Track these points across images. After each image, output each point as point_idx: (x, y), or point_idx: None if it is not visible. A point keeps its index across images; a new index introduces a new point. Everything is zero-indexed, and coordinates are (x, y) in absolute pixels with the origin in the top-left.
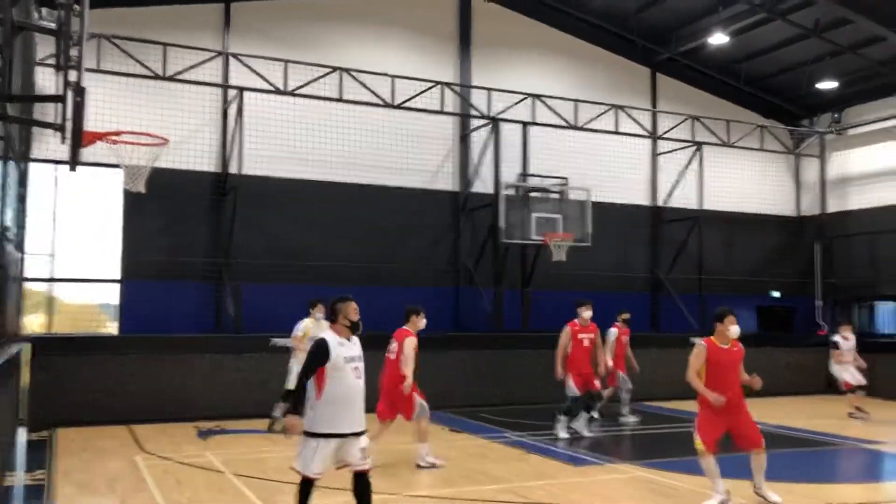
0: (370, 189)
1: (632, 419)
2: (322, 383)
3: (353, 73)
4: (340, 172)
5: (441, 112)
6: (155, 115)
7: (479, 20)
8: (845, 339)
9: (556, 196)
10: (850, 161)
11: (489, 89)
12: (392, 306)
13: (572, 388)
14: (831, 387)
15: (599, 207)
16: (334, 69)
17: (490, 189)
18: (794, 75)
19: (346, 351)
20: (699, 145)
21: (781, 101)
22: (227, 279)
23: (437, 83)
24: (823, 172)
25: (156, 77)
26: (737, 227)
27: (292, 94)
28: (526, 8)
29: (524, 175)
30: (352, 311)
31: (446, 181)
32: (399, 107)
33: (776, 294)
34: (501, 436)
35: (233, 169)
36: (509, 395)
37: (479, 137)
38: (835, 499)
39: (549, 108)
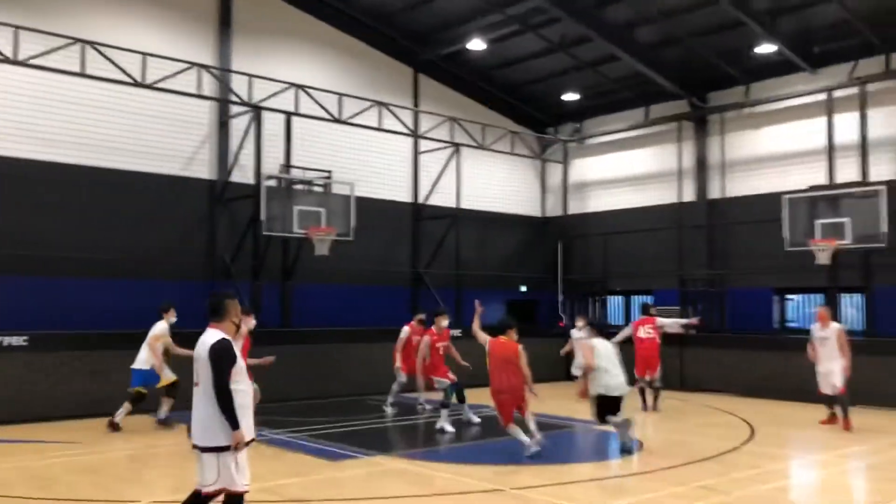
0: (117, 174)
1: (389, 410)
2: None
3: (98, 47)
4: (84, 155)
5: (198, 96)
6: None
7: (241, 3)
8: (578, 329)
9: (319, 189)
10: (588, 168)
11: (251, 76)
12: (140, 301)
13: (443, 382)
14: (569, 374)
15: (363, 202)
16: (76, 40)
17: (251, 179)
18: (543, 86)
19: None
20: (457, 146)
21: (531, 108)
22: None
23: (194, 65)
24: (566, 177)
25: None
26: (490, 225)
27: (24, 64)
28: None
29: (287, 167)
30: (239, 310)
31: (203, 169)
32: (151, 87)
33: (523, 288)
34: (258, 434)
35: None
36: (265, 393)
37: (239, 125)
38: (569, 478)
39: (314, 99)
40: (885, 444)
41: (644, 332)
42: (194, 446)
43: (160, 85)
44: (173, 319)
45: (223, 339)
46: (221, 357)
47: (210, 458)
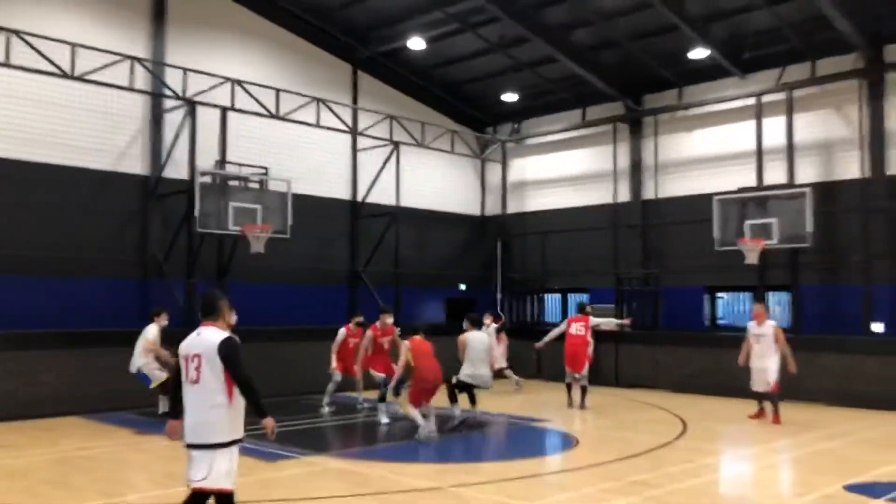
0: (44, 168)
1: (326, 410)
2: (232, 386)
3: (25, 37)
4: (9, 148)
5: (130, 89)
6: None
7: None
8: (487, 326)
9: (255, 186)
10: (526, 167)
11: (185, 69)
12: (68, 300)
13: (378, 376)
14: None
15: (300, 199)
16: (1, 29)
17: (185, 175)
18: (483, 85)
19: None
20: (397, 144)
21: (470, 108)
22: None
23: (127, 57)
24: (505, 177)
25: None
26: (430, 224)
27: None
28: None
29: (222, 163)
30: (230, 310)
31: (135, 164)
32: (80, 79)
33: (462, 287)
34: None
35: None
36: None
37: (173, 120)
38: (505, 475)
39: (251, 95)
40: (810, 438)
41: (575, 329)
42: (188, 445)
43: (91, 77)
44: (165, 323)
45: (230, 335)
46: (236, 352)
47: (202, 455)
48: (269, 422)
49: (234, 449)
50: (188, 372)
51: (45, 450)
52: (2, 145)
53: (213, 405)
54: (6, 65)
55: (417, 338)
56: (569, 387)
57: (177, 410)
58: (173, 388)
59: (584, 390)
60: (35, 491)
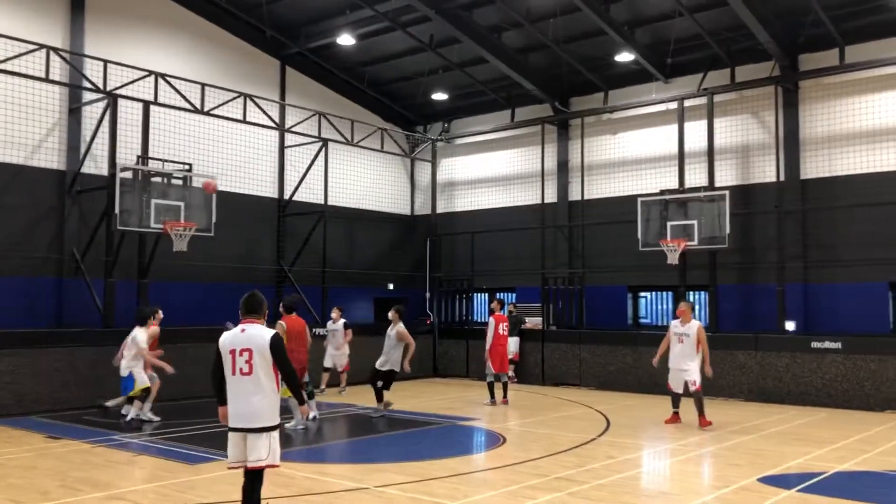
0: None
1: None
2: (278, 376)
3: None
4: None
5: (46, 80)
6: None
7: None
8: (333, 322)
9: (178, 182)
10: (456, 167)
11: (106, 61)
12: None
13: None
14: (437, 370)
15: (225, 197)
16: None
17: (104, 171)
18: (413, 84)
19: None
20: (325, 142)
21: (400, 107)
22: None
23: (42, 46)
24: (434, 176)
25: None
26: (359, 222)
27: None
28: None
29: (144, 158)
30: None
31: (50, 158)
32: None
33: (391, 286)
34: (109, 439)
35: None
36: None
37: (92, 113)
38: (431, 473)
39: (175, 88)
40: (726, 433)
41: (502, 329)
42: (237, 429)
43: (4, 67)
44: (156, 329)
45: (276, 332)
46: (283, 346)
47: (261, 437)
48: (304, 408)
49: (276, 432)
50: (236, 364)
51: None
52: None
53: (265, 393)
54: None
55: (293, 315)
56: (491, 386)
57: (223, 398)
58: (216, 377)
59: (505, 386)
60: None
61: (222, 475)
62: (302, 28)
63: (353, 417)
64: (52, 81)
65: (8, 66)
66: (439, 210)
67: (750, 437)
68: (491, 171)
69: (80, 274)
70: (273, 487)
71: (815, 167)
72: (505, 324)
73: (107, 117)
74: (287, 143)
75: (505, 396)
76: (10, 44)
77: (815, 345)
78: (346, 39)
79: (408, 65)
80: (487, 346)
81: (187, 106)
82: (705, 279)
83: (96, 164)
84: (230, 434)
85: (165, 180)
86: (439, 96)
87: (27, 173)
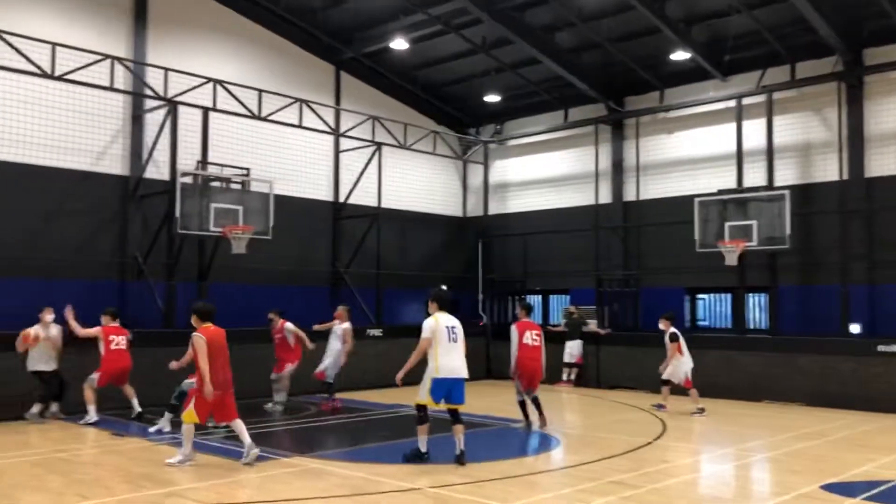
0: (22, 168)
1: (277, 408)
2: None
3: (5, 36)
4: None
5: (111, 88)
6: None
7: None
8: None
9: (237, 187)
10: (508, 169)
11: (167, 69)
12: (46, 301)
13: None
14: (490, 372)
15: (282, 200)
16: None
17: (166, 176)
18: (465, 86)
19: None
20: (379, 145)
21: (453, 109)
22: None
23: (107, 57)
24: (486, 178)
25: None
26: (411, 224)
27: None
28: None
29: (204, 163)
30: None
31: (114, 164)
32: (60, 79)
33: (444, 287)
34: (172, 437)
35: None
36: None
37: (154, 120)
38: (485, 475)
39: (233, 95)
40: (787, 438)
41: (531, 339)
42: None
43: (71, 77)
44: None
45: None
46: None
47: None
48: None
49: None
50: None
51: (19, 452)
52: None
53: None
54: None
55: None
56: (523, 405)
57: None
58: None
59: (538, 403)
60: (9, 494)
61: (277, 473)
62: (356, 33)
63: (405, 418)
64: (116, 90)
65: (75, 77)
66: (491, 212)
67: (812, 444)
68: (543, 173)
69: (142, 276)
70: (327, 486)
71: (881, 165)
72: (534, 332)
73: (168, 124)
74: (342, 147)
75: (541, 413)
76: (76, 54)
77: (881, 348)
78: (399, 44)
79: (460, 67)
80: (513, 361)
81: (245, 112)
82: (765, 280)
83: (158, 170)
84: None
85: (224, 185)
86: (492, 98)
87: (92, 179)
